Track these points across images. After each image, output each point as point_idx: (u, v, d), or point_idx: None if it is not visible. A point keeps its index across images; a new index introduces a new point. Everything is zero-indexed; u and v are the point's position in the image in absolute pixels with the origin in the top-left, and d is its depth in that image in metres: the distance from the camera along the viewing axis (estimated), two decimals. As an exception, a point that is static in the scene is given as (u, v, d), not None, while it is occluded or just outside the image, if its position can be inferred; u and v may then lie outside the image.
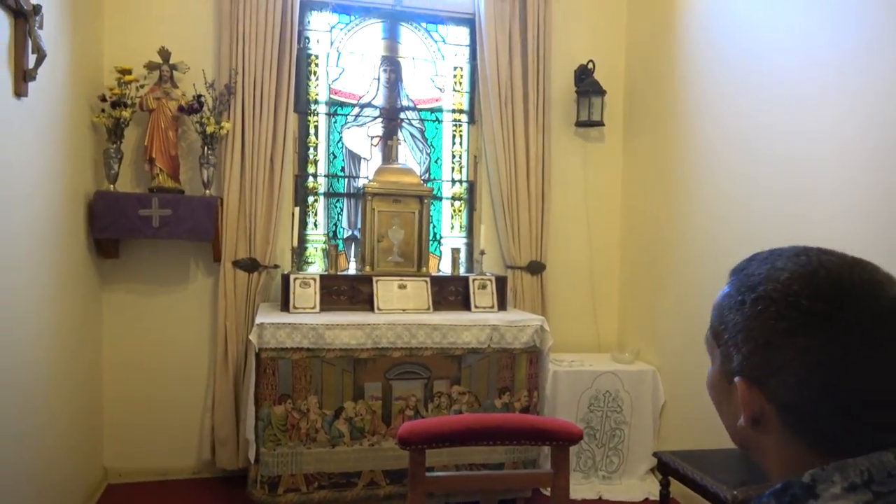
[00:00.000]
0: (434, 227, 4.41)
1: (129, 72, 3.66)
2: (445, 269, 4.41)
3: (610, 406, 3.96)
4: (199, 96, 3.74)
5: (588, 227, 4.57)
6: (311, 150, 4.26)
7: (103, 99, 3.60)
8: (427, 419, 2.27)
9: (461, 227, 4.50)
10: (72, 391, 3.36)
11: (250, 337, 3.26)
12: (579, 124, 4.45)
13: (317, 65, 4.26)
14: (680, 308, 3.89)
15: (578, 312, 4.55)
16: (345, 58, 4.31)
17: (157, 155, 3.67)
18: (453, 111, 4.49)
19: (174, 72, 3.79)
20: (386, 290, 3.68)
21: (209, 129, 3.70)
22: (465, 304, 3.85)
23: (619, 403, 3.96)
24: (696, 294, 3.73)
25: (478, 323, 3.53)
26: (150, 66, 3.76)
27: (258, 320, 3.29)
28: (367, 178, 4.25)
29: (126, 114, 3.60)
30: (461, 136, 4.50)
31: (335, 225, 4.30)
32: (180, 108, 3.71)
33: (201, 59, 3.89)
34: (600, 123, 4.42)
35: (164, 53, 3.77)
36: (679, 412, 3.88)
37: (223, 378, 3.78)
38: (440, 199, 4.45)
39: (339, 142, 4.31)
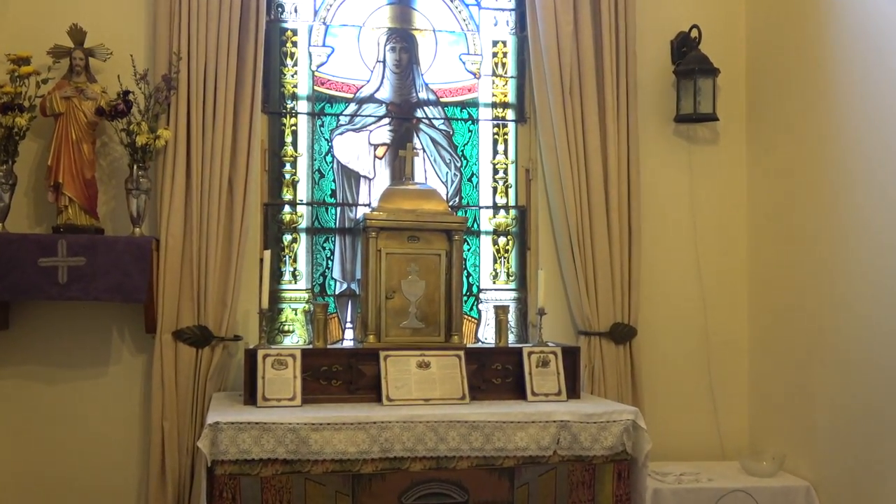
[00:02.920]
0: (469, 275, 4.39)
1: (26, 61, 3.71)
2: (487, 337, 4.36)
3: (743, 543, 3.88)
4: (127, 93, 3.77)
5: (699, 271, 4.52)
6: (288, 167, 4.27)
7: (-10, 100, 3.65)
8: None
9: (509, 274, 4.47)
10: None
11: (199, 444, 3.22)
12: (681, 119, 4.44)
13: (295, 44, 4.31)
14: (845, 391, 3.81)
15: (689, 399, 4.48)
16: (335, 33, 4.36)
17: (65, 179, 3.69)
18: (494, 106, 4.50)
19: (91, 59, 3.83)
20: (400, 371, 3.64)
21: (140, 141, 3.73)
22: (517, 391, 3.79)
23: (756, 539, 3.88)
24: (870, 370, 3.65)
25: (538, 418, 3.47)
26: (57, 53, 3.80)
27: (211, 418, 3.26)
28: (368, 205, 4.24)
29: (22, 121, 3.64)
30: (506, 141, 4.50)
31: (323, 276, 4.29)
32: (99, 111, 3.74)
33: (129, 40, 3.94)
34: (712, 117, 4.41)
35: (77, 34, 3.81)
36: (851, 552, 3.78)
37: (159, 503, 3.77)
38: (477, 233, 4.43)
39: (327, 154, 4.32)
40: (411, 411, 3.43)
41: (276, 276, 4.21)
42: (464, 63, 4.49)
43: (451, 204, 4.33)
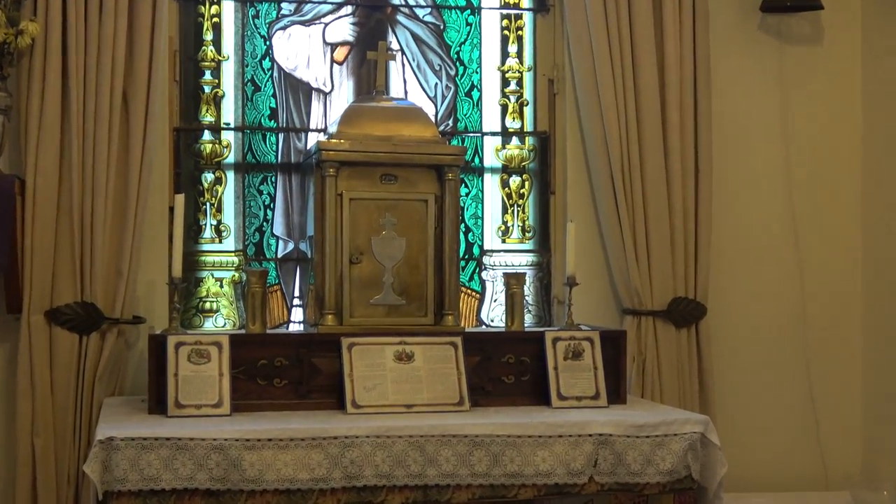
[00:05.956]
0: (469, 231, 4.40)
1: None
2: (495, 318, 4.39)
3: None
4: (-25, -31, 3.75)
5: (794, 224, 4.56)
6: (209, 76, 4.27)
7: None
8: None
9: (525, 229, 4.50)
10: None
11: (86, 468, 3.20)
12: (769, 7, 4.45)
13: None
14: None
15: (779, 407, 4.52)
16: None
17: None
18: (502, -12, 4.52)
19: (-78, -80, 3.80)
20: (370, 366, 3.65)
21: (-4, 37, 3.72)
22: (538, 393, 3.82)
23: None
24: None
25: (568, 431, 3.47)
26: None
27: (102, 433, 3.24)
28: (324, 130, 4.23)
29: None
30: (521, 39, 4.52)
31: (259, 232, 4.29)
32: (-65, -5, 3.72)
33: None
34: (814, 5, 4.42)
35: None
36: None
37: (30, 554, 3.77)
38: (480, 171, 4.45)
39: (264, 57, 4.32)
40: (387, 422, 3.42)
41: (193, 232, 4.21)
42: (459, -74, 4.47)
43: (442, 128, 4.31)
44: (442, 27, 4.44)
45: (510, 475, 3.41)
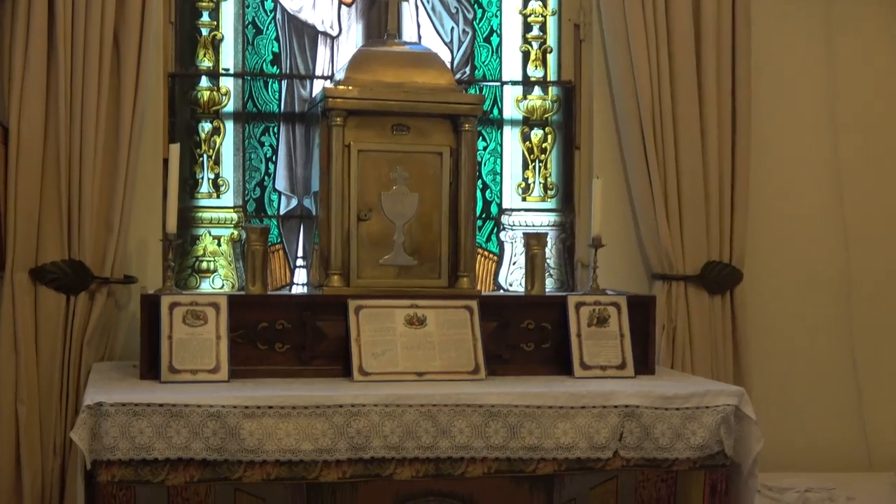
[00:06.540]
0: (487, 188, 4.41)
1: None
2: (513, 282, 4.40)
3: None
4: None
5: (839, 184, 4.54)
6: (206, 18, 4.26)
7: None
8: None
9: (547, 187, 4.49)
10: None
11: (73, 435, 3.21)
12: (815, -42, 4.44)
13: None
14: None
15: (820, 380, 4.53)
16: None
17: None
18: (524, -76, 4.49)
19: None
20: (379, 331, 3.66)
21: (-26, -25, 3.72)
22: (559, 361, 3.82)
23: (919, 588, 3.96)
24: None
25: (591, 402, 3.48)
26: None
27: (90, 398, 3.25)
28: (330, 77, 4.24)
29: None
30: (544, -20, 4.50)
31: (261, 187, 4.30)
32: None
33: None
34: (864, -56, 4.42)
35: None
36: None
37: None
38: (499, 123, 4.45)
39: (267, -2, 4.33)
40: (397, 390, 3.43)
41: (189, 186, 4.22)
42: None
43: (458, 76, 4.31)
44: (459, -31, 4.43)
45: (528, 448, 3.42)
